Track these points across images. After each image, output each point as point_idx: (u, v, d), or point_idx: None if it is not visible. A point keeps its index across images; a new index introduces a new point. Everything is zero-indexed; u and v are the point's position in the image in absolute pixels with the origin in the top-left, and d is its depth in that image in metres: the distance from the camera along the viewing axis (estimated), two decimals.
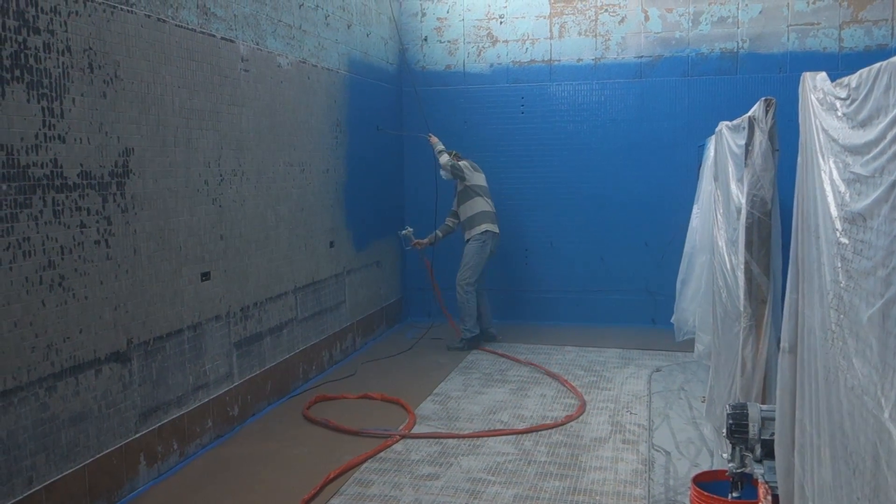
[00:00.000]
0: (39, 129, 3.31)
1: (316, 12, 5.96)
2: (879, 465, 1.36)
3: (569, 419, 4.93)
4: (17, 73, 3.20)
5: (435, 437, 4.64)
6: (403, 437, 4.64)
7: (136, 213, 3.91)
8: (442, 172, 6.97)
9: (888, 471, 1.32)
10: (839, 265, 1.60)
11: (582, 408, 5.13)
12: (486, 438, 4.63)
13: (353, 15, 6.70)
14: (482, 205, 6.89)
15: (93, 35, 3.61)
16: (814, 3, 7.01)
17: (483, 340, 6.97)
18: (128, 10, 3.84)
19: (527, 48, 7.70)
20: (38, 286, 3.31)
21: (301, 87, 5.71)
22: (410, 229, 7.22)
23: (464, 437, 4.65)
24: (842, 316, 1.57)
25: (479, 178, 7.00)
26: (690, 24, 7.30)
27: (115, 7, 3.75)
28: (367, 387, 5.64)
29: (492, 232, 6.86)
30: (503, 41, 7.75)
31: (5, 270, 3.15)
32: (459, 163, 6.88)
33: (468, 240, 6.90)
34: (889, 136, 1.41)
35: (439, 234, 7.14)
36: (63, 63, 3.43)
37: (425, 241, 7.13)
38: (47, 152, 3.35)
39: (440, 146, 7.00)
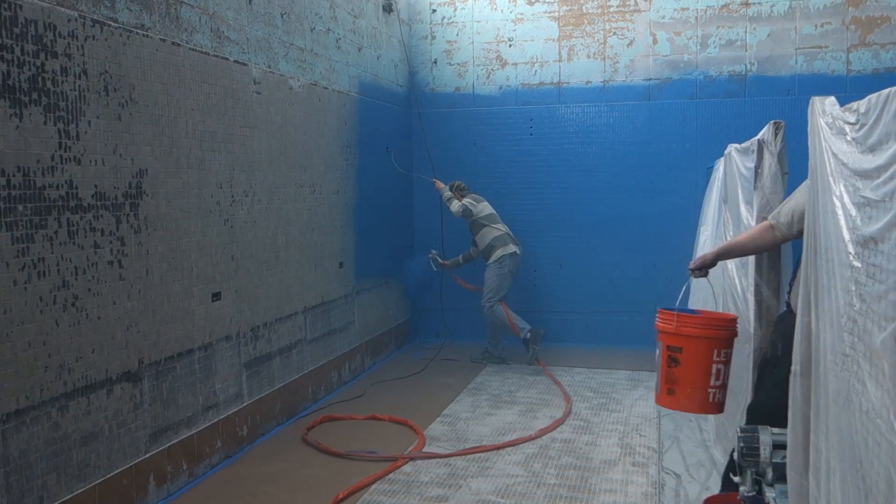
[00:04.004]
0: (56, 151, 3.36)
1: (327, 35, 6.03)
2: (893, 490, 1.36)
3: (542, 432, 5.09)
4: (35, 95, 3.25)
5: (430, 458, 4.63)
6: (386, 459, 4.62)
7: (148, 233, 3.95)
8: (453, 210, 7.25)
9: None
10: (853, 289, 1.60)
11: (561, 420, 5.32)
12: (494, 460, 4.61)
13: (363, 38, 6.78)
14: (493, 232, 7.05)
15: (109, 59, 3.66)
16: (821, 26, 7.05)
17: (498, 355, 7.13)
18: (143, 35, 3.90)
19: (536, 71, 7.76)
20: (51, 306, 3.33)
21: (312, 110, 5.76)
22: (435, 251, 7.59)
23: (442, 457, 4.64)
24: (856, 339, 1.58)
25: (483, 209, 7.16)
26: (699, 47, 7.35)
27: (131, 31, 3.81)
28: (376, 408, 5.64)
29: (508, 254, 6.98)
30: (512, 64, 7.82)
31: (20, 290, 3.18)
32: (463, 201, 7.07)
33: (488, 265, 7.07)
34: None
35: (460, 259, 7.49)
36: (79, 86, 3.49)
37: (450, 262, 7.50)
38: (63, 174, 3.40)
39: (447, 192, 7.20)
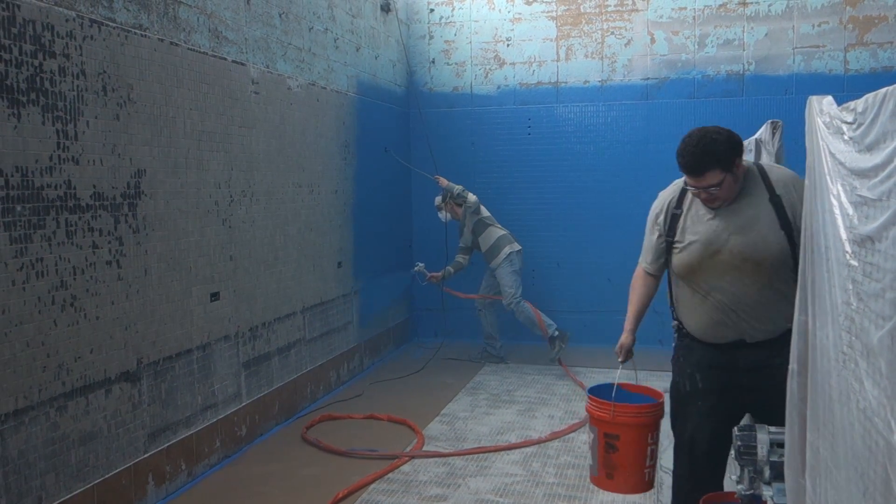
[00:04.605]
0: (54, 151, 3.36)
1: (325, 35, 6.03)
2: (890, 488, 1.37)
3: (554, 435, 5.04)
4: (33, 96, 3.25)
5: (430, 457, 4.63)
6: (389, 457, 4.63)
7: (147, 233, 3.95)
8: (445, 215, 7.18)
9: None
10: (850, 287, 1.61)
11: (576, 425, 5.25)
12: (493, 460, 4.62)
13: (361, 38, 6.78)
14: (498, 231, 7.04)
15: (107, 59, 3.66)
16: (819, 25, 7.06)
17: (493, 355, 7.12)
18: (141, 35, 3.90)
19: (534, 70, 7.76)
20: (50, 306, 3.33)
21: (310, 109, 5.76)
22: (422, 265, 7.34)
23: (444, 455, 4.64)
24: (853, 338, 1.58)
25: (485, 210, 7.15)
26: (696, 47, 7.36)
27: (129, 31, 3.81)
28: (375, 407, 5.64)
29: (516, 251, 6.99)
30: (510, 63, 7.82)
31: (19, 290, 3.18)
32: (472, 199, 7.01)
33: (495, 267, 7.00)
34: None
35: (450, 269, 7.20)
36: (78, 86, 3.49)
37: (439, 274, 7.21)
38: (61, 174, 3.40)
39: (456, 187, 7.07)
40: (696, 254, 3.01)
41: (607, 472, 3.28)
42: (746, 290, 2.96)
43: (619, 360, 3.43)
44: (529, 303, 6.95)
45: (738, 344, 3.01)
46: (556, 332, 6.84)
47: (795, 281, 2.97)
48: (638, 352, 3.40)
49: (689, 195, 3.09)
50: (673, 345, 3.36)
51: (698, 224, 3.05)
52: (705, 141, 2.89)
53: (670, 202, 3.18)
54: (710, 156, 2.87)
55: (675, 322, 3.27)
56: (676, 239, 3.10)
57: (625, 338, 3.40)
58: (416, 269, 7.35)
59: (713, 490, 3.23)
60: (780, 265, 2.92)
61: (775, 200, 2.94)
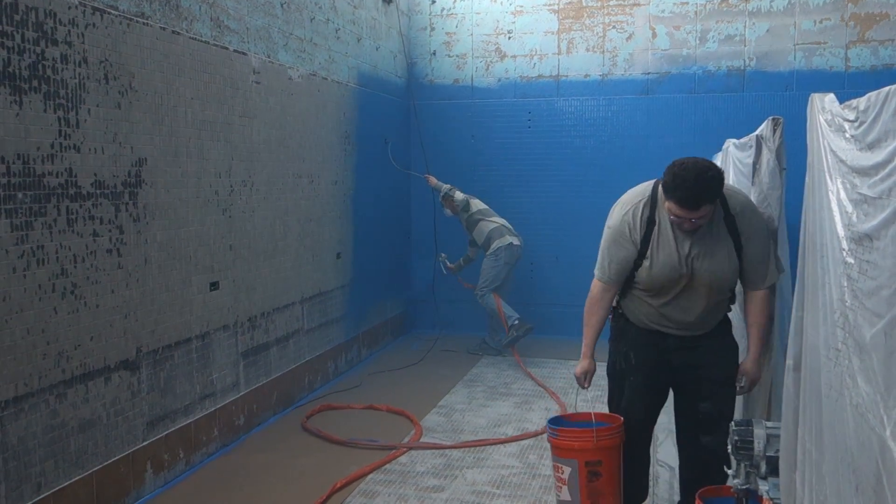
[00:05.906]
0: (55, 139, 3.36)
1: (327, 26, 6.03)
2: (882, 483, 1.38)
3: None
4: (35, 83, 3.25)
5: (430, 448, 4.65)
6: (391, 447, 4.66)
7: (147, 222, 3.95)
8: (447, 211, 7.35)
9: (889, 489, 1.35)
10: (844, 284, 1.62)
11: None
12: (490, 451, 4.64)
13: (362, 29, 6.77)
14: (489, 224, 7.13)
15: (109, 47, 3.66)
16: (820, 22, 7.06)
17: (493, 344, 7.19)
18: (143, 23, 3.89)
19: (535, 63, 7.76)
20: (50, 294, 3.34)
21: (311, 100, 5.76)
22: (444, 255, 7.59)
23: (443, 447, 4.66)
24: (846, 334, 1.60)
25: (477, 204, 7.25)
26: (698, 42, 7.35)
27: (131, 20, 3.80)
28: (373, 398, 5.66)
29: (504, 245, 7.02)
30: (511, 56, 7.81)
31: (19, 278, 3.19)
32: (459, 197, 7.18)
33: (486, 257, 7.16)
34: None
35: (461, 262, 7.52)
36: (79, 74, 3.49)
37: (453, 266, 7.54)
38: (62, 161, 3.40)
39: (445, 186, 7.28)
40: (666, 274, 3.13)
41: (593, 502, 3.30)
42: (692, 308, 3.17)
43: (585, 386, 3.51)
44: (497, 295, 7.04)
45: (666, 333, 3.27)
46: (516, 322, 6.92)
47: (732, 292, 3.19)
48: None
49: (660, 208, 3.17)
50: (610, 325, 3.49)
51: (669, 243, 3.14)
52: (704, 178, 2.98)
53: (642, 215, 3.21)
54: (709, 192, 2.99)
55: (613, 307, 3.42)
56: (648, 254, 3.16)
57: (588, 364, 3.50)
58: (439, 258, 7.61)
59: (644, 460, 3.47)
60: (730, 285, 3.18)
61: (730, 220, 3.10)
